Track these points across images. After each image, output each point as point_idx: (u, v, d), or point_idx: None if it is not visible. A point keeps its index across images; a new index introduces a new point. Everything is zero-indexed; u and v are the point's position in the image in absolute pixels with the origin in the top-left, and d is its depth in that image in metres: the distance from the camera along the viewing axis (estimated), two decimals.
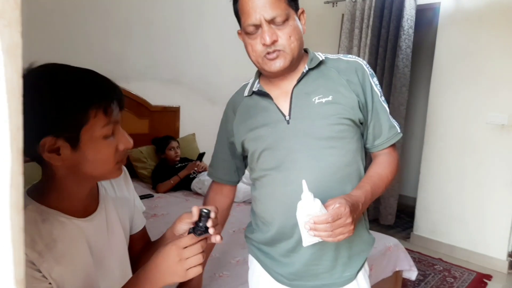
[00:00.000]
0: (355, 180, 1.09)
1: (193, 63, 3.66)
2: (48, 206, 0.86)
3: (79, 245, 0.88)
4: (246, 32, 1.02)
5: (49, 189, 0.87)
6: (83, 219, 0.91)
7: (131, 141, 0.87)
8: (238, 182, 1.29)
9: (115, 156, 0.85)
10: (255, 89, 1.13)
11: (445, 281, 2.85)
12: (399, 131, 1.13)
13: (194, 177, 3.11)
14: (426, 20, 3.87)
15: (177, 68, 3.57)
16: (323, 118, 1.04)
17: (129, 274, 1.00)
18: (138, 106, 3.29)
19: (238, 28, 1.07)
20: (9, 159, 0.40)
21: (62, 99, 0.78)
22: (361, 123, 1.09)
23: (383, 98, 1.11)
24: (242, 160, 1.25)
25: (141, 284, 0.85)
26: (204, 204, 1.27)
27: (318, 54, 1.11)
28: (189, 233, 0.85)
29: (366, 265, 1.17)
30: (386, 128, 1.11)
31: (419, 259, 3.17)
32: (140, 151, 3.20)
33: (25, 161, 0.54)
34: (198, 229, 0.85)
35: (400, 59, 3.51)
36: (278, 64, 1.02)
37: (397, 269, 2.17)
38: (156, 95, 3.37)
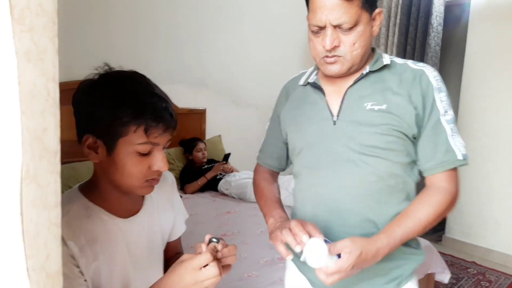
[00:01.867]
0: (399, 194, 1.00)
1: (218, 66, 3.69)
2: (94, 203, 0.91)
3: (118, 245, 0.91)
4: (310, 28, 0.97)
5: (95, 187, 0.92)
6: (124, 219, 0.94)
7: (166, 166, 0.88)
8: (283, 169, 1.23)
9: (145, 174, 0.87)
10: (310, 80, 1.08)
11: (480, 285, 2.75)
12: (460, 157, 0.95)
13: (221, 178, 3.14)
14: (454, 16, 3.76)
15: (202, 71, 3.61)
16: (372, 125, 0.96)
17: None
18: None
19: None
20: (20, 159, 0.41)
21: (110, 107, 0.82)
22: (415, 138, 0.98)
23: (448, 117, 0.96)
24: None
25: None
26: (254, 186, 1.23)
27: (385, 57, 1.02)
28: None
29: (414, 279, 1.07)
30: (441, 150, 0.96)
31: (452, 262, 3.07)
32: (168, 153, 3.26)
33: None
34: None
35: (429, 57, 3.42)
36: (334, 69, 0.98)
37: (429, 272, 2.11)
38: (182, 98, 3.42)
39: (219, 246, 0.82)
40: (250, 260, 1.78)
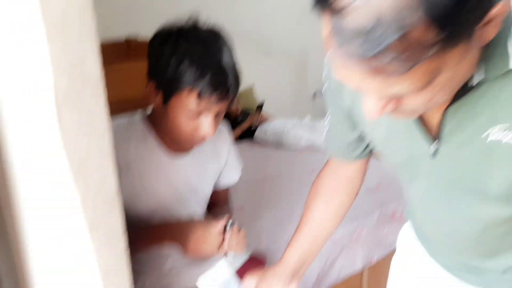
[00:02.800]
0: None
1: (246, 15, 3.60)
2: (152, 134, 0.99)
3: (160, 178, 0.98)
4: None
5: (154, 121, 1.01)
6: (173, 155, 1.01)
7: (211, 133, 0.92)
8: (358, 158, 0.86)
9: (191, 134, 0.92)
10: None
11: None
12: None
13: (256, 128, 3.17)
14: None
15: (232, 21, 3.54)
16: (502, 167, 0.57)
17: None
18: None
19: None
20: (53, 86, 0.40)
21: (175, 62, 0.86)
22: None
23: None
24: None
25: (160, 233, 0.98)
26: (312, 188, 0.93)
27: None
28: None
29: None
30: None
31: None
32: None
33: None
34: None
35: None
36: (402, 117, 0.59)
37: None
38: None
39: (228, 235, 0.93)
40: (293, 201, 1.81)
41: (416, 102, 0.49)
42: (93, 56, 0.44)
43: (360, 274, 1.67)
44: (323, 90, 0.81)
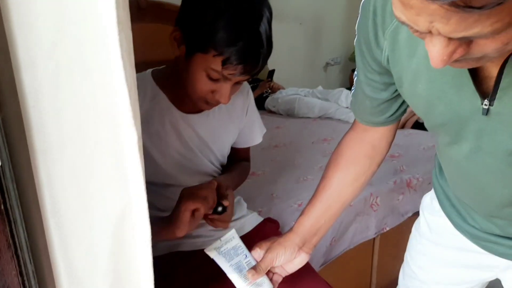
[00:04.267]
0: None
1: None
2: (161, 90, 0.96)
3: (172, 133, 0.96)
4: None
5: (168, 75, 0.97)
6: (186, 113, 0.98)
7: (225, 101, 0.88)
8: (385, 123, 0.79)
9: (206, 95, 0.88)
10: None
11: None
12: None
13: (267, 96, 3.12)
14: None
15: None
16: None
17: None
18: None
19: None
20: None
21: (208, 18, 0.79)
22: None
23: None
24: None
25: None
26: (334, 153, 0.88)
27: None
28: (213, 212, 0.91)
29: None
30: None
31: None
32: None
33: None
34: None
35: None
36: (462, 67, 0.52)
37: None
38: None
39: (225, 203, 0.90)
40: (305, 166, 1.80)
41: (487, 48, 0.43)
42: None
43: (372, 241, 1.66)
44: (354, 41, 0.72)
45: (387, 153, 0.85)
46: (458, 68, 0.50)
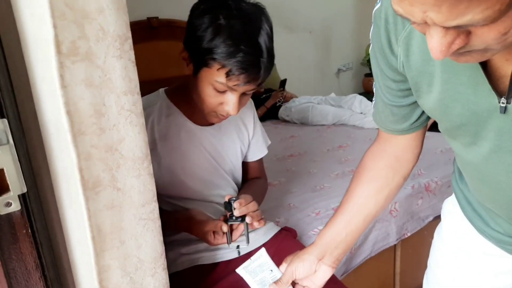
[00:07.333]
0: None
1: None
2: (176, 106, 1.02)
3: (192, 145, 1.00)
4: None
5: (181, 91, 1.02)
6: (200, 126, 1.04)
7: (234, 112, 0.92)
8: (409, 130, 0.77)
9: (215, 108, 0.92)
10: None
11: None
12: None
13: (280, 106, 3.13)
14: None
15: None
16: None
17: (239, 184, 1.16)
18: None
19: None
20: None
21: (209, 35, 0.84)
22: None
23: None
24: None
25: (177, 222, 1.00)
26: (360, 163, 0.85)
27: None
28: (224, 220, 0.93)
29: None
30: None
31: None
32: None
33: None
34: (231, 219, 0.92)
35: None
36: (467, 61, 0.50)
37: None
38: None
39: (235, 204, 0.90)
40: (321, 174, 1.79)
41: (486, 38, 0.43)
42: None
43: (393, 248, 1.64)
44: (369, 50, 0.72)
45: (413, 165, 0.82)
46: (464, 62, 0.50)
